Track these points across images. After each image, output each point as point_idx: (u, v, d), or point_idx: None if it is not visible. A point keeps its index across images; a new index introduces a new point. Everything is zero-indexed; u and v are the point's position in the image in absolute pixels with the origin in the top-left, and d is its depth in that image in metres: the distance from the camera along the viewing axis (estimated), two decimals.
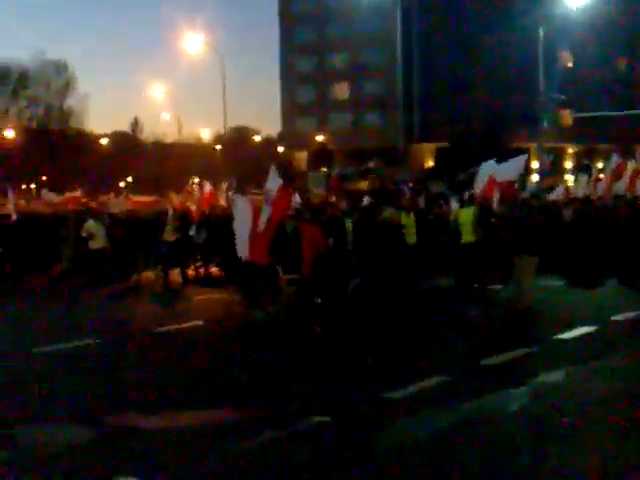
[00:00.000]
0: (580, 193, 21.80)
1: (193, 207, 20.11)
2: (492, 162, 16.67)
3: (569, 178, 44.52)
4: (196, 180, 30.45)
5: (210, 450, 6.24)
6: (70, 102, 77.02)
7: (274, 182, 12.74)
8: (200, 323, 12.37)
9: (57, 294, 16.50)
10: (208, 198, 20.81)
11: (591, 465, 5.82)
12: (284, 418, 6.99)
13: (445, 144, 59.74)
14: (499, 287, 14.85)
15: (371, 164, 28.75)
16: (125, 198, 24.33)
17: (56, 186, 39.04)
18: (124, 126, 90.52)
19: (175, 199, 21.44)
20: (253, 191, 22.00)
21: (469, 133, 55.24)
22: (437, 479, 5.71)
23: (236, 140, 76.60)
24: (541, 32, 37.55)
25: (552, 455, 6.01)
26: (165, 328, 11.82)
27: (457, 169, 28.44)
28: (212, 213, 19.20)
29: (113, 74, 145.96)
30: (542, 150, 41.07)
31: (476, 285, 15.10)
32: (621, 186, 19.71)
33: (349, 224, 14.95)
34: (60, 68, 75.65)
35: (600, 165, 44.91)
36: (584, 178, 24.68)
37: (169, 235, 17.68)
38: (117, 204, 21.11)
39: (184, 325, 12.13)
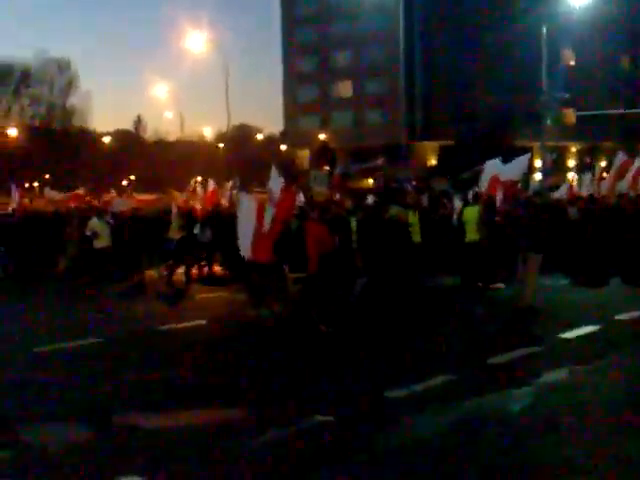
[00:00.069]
0: (584, 191, 21.80)
1: (197, 205, 20.10)
2: (497, 161, 16.66)
3: (572, 176, 44.48)
4: (199, 179, 30.43)
5: (213, 449, 6.23)
6: (73, 100, 77.29)
7: (275, 183, 12.72)
8: (203, 322, 12.34)
9: (60, 293, 16.52)
10: (211, 196, 20.80)
11: (596, 464, 5.80)
12: (288, 417, 6.98)
13: (447, 142, 59.71)
14: (502, 286, 14.86)
15: (379, 161, 28.50)
16: (129, 196, 24.30)
17: (59, 184, 39.07)
18: (127, 125, 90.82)
19: (178, 197, 21.41)
20: (256, 189, 21.97)
21: (473, 131, 55.20)
22: (442, 478, 5.70)
23: (238, 138, 76.63)
24: (544, 30, 37.47)
25: (557, 454, 5.99)
26: (168, 327, 11.82)
27: (461, 168, 28.36)
28: (216, 211, 19.19)
29: (114, 74, 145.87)
30: (545, 148, 41.00)
31: (480, 284, 15.10)
32: (624, 184, 19.66)
33: (353, 223, 14.89)
34: (63, 66, 75.73)
35: (603, 164, 44.89)
36: (588, 177, 24.62)
37: (174, 233, 17.66)
38: (121, 202, 21.06)
39: (187, 324, 12.12)
